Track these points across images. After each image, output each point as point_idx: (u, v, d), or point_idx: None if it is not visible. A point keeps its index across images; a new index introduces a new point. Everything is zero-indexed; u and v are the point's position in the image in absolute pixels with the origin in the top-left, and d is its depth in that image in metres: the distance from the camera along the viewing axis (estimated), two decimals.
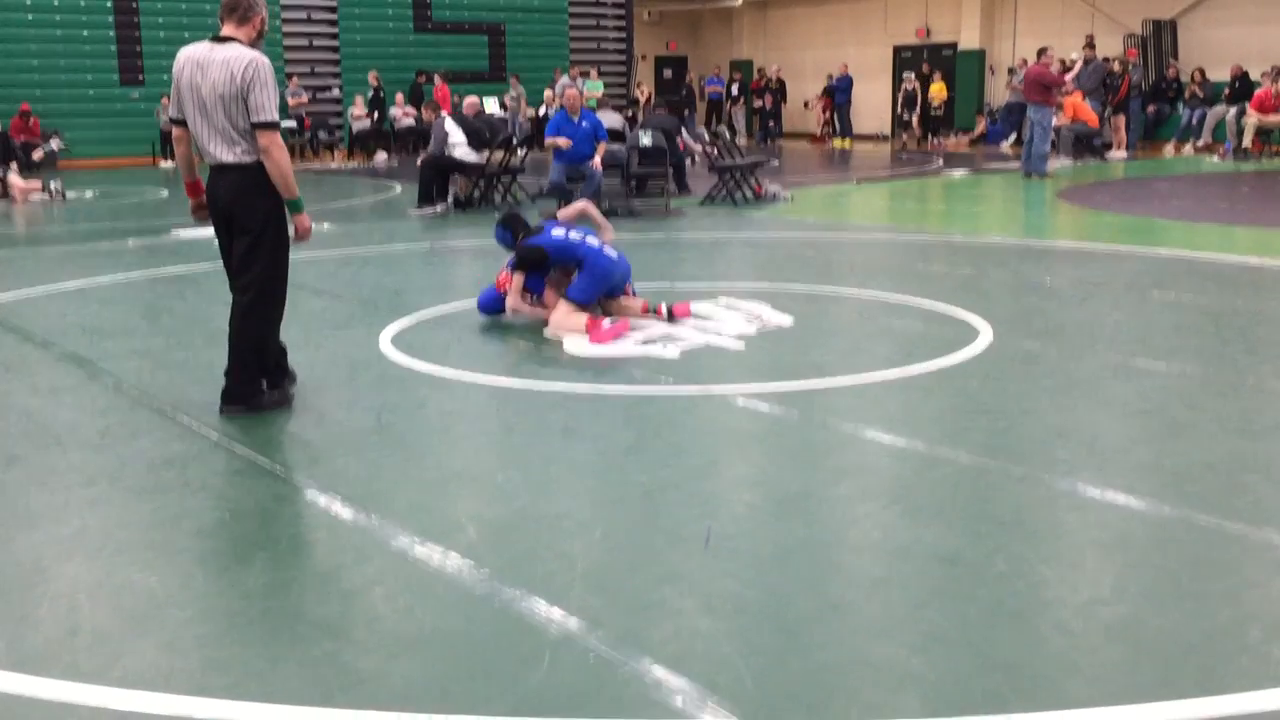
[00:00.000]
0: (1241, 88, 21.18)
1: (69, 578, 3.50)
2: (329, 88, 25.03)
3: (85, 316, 7.65)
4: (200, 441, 4.87)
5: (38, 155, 18.76)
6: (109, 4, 22.66)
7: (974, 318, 7.06)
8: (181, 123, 5.19)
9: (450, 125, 14.08)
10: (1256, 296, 7.73)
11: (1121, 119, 21.26)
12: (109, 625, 3.19)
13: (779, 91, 29.29)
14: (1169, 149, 22.17)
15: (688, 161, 16.16)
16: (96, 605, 3.31)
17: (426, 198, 13.99)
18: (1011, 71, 25.09)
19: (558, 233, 7.10)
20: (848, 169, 21.13)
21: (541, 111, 23.71)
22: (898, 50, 29.66)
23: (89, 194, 16.96)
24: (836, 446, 4.72)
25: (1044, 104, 16.83)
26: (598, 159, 13.29)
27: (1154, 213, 12.97)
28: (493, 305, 7.25)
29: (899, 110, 26.53)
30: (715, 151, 15.07)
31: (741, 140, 26.69)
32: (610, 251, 7.04)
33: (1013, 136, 24.07)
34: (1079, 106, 19.97)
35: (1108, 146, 21.00)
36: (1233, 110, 20.91)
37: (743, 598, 3.29)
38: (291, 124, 23.10)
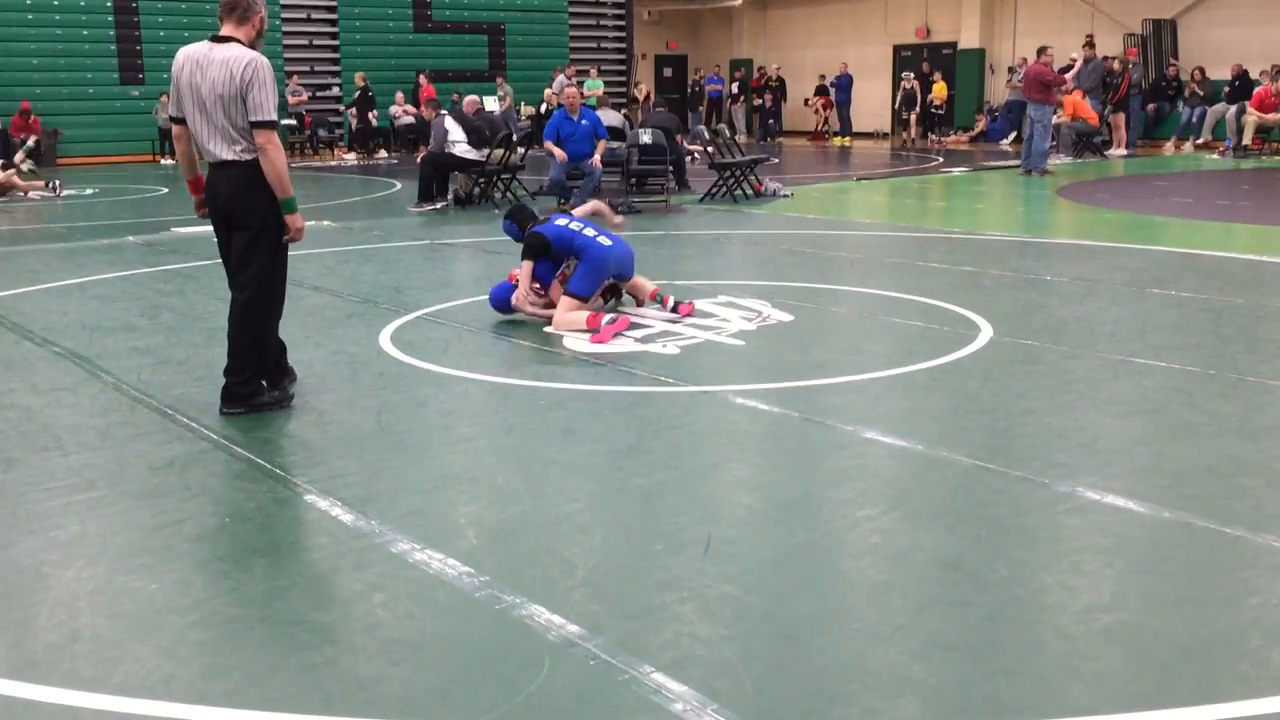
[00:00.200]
0: (1242, 86, 21.18)
1: (69, 583, 3.50)
2: (329, 86, 25.03)
3: (85, 314, 7.64)
4: (200, 442, 4.87)
5: (19, 158, 18.64)
6: (109, 3, 22.65)
7: (974, 315, 7.06)
8: (181, 121, 5.20)
9: (450, 123, 14.08)
10: (1257, 294, 7.73)
11: (1121, 117, 21.27)
12: (109, 631, 3.19)
13: (779, 90, 29.33)
14: (1169, 147, 22.17)
15: (687, 160, 16.17)
16: (96, 611, 3.31)
17: (426, 195, 13.99)
18: (1012, 70, 25.10)
19: (561, 222, 7.23)
20: (848, 166, 21.12)
21: (542, 109, 23.74)
22: (898, 49, 29.66)
23: (89, 191, 16.96)
24: (836, 447, 4.72)
25: (1044, 102, 16.84)
26: (597, 157, 13.30)
27: (1154, 210, 12.97)
28: (505, 297, 7.27)
29: (899, 109, 26.54)
30: (714, 150, 15.06)
31: (741, 138, 26.69)
32: (605, 240, 7.08)
33: (1013, 134, 24.08)
34: (1079, 105, 19.97)
35: (1107, 144, 21.00)
36: (1233, 108, 20.90)
37: (742, 603, 3.28)
38: (291, 122, 23.11)
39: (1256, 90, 20.44)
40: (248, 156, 5.07)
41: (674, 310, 7.14)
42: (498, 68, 26.65)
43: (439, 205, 13.95)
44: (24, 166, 18.22)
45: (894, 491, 4.23)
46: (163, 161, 21.87)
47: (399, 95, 24.11)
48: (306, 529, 4.01)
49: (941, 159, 21.40)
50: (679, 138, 15.58)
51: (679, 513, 3.99)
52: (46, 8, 22.15)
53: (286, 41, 24.43)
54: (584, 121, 13.38)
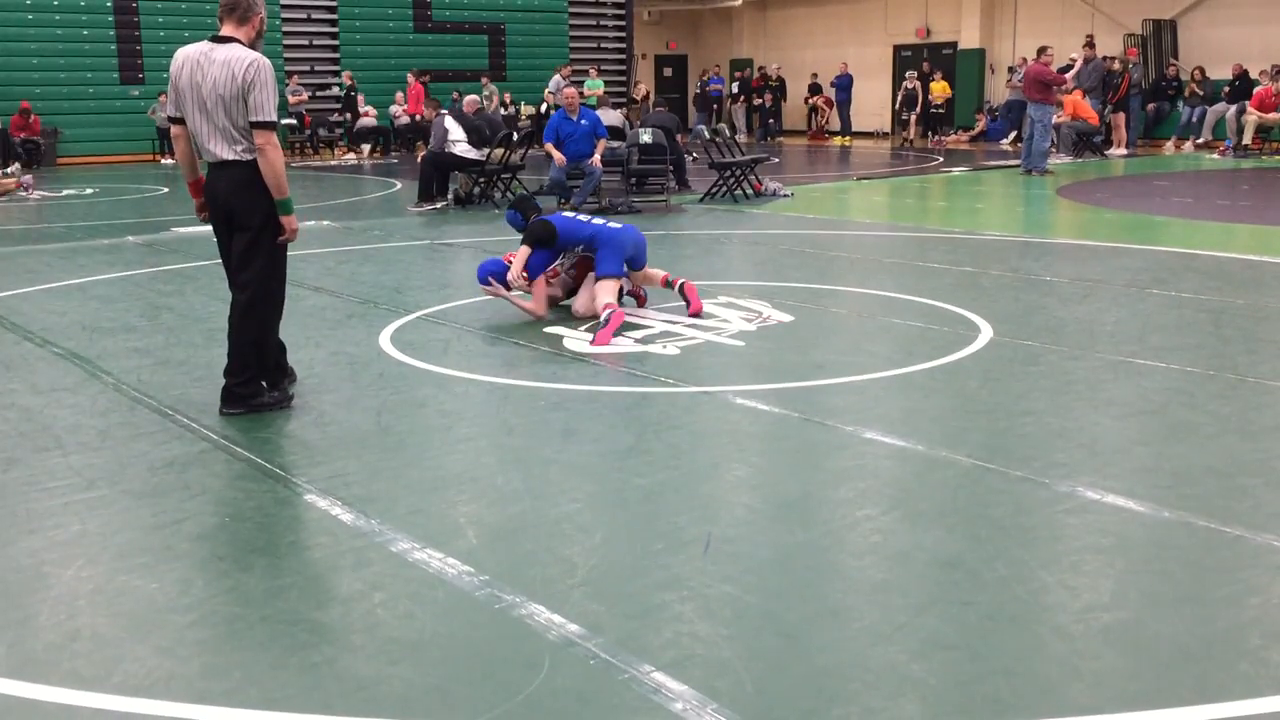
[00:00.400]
0: (1242, 86, 21.18)
1: (69, 582, 3.50)
2: (328, 86, 25.05)
3: (85, 314, 7.64)
4: (200, 443, 4.87)
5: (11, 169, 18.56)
6: (109, 3, 22.65)
7: (974, 315, 7.06)
8: (179, 121, 5.20)
9: (450, 123, 14.08)
10: (1257, 294, 7.73)
11: (1121, 117, 21.27)
12: (109, 630, 3.19)
13: (779, 90, 29.37)
14: (1169, 146, 22.17)
15: (688, 159, 16.19)
16: (96, 610, 3.31)
17: (426, 194, 13.99)
18: (1012, 70, 25.10)
19: (568, 213, 7.47)
20: (848, 166, 21.12)
21: (542, 109, 23.77)
22: (898, 49, 29.68)
23: (89, 191, 16.97)
24: (836, 447, 4.72)
25: (1044, 102, 16.85)
26: (597, 157, 13.30)
27: (1154, 210, 12.97)
28: (491, 269, 7.36)
29: (899, 108, 26.56)
30: (713, 145, 15.04)
31: (742, 138, 26.70)
32: (615, 224, 7.37)
33: (1013, 134, 24.08)
34: (1079, 104, 19.98)
35: (1107, 144, 21.01)
36: (1233, 108, 20.91)
37: (742, 602, 3.28)
38: (291, 122, 23.13)
39: (1257, 90, 20.45)
40: (248, 157, 5.07)
41: (680, 291, 7.32)
42: (498, 68, 26.66)
43: (439, 205, 13.95)
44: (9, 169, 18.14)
45: (894, 491, 4.23)
46: (163, 161, 21.88)
47: (398, 95, 24.13)
48: (306, 529, 4.01)
49: (941, 159, 21.40)
50: (679, 136, 15.60)
51: (679, 513, 3.99)
52: (46, 8, 22.16)
53: (286, 41, 24.43)
54: (583, 122, 13.38)
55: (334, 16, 25.15)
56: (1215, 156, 20.20)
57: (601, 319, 6.67)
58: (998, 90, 26.98)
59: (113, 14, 22.73)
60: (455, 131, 13.98)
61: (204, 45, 5.09)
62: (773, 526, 3.89)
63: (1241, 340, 6.43)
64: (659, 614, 3.21)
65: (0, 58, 21.94)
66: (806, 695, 2.79)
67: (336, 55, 25.29)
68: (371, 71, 24.95)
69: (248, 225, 5.15)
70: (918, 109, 25.91)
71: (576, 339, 6.68)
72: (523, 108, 25.07)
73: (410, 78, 23.80)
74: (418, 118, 23.56)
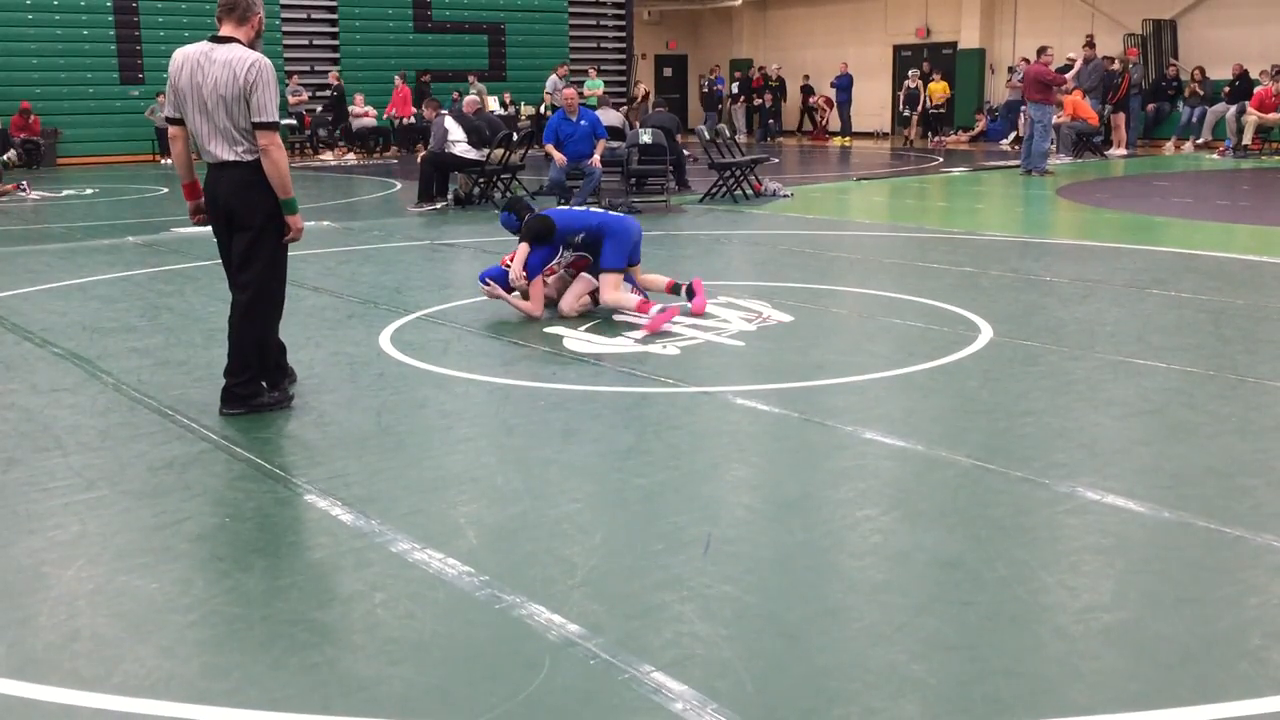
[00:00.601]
0: (1242, 86, 21.19)
1: (69, 583, 3.50)
2: (328, 86, 25.04)
3: (85, 314, 7.64)
4: (200, 443, 4.87)
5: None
6: (109, 3, 22.66)
7: (974, 316, 7.06)
8: (177, 121, 5.19)
9: (450, 123, 14.08)
10: (1257, 294, 7.73)
11: (1121, 117, 21.27)
12: (109, 630, 3.19)
13: (779, 90, 29.38)
14: (1169, 147, 22.17)
15: (688, 158, 16.19)
16: (96, 610, 3.31)
17: (426, 195, 13.99)
18: (1011, 70, 25.10)
19: (563, 207, 7.56)
20: (848, 166, 21.12)
21: (542, 109, 23.78)
22: (898, 49, 29.68)
23: (89, 191, 16.96)
24: (836, 447, 4.72)
25: (1044, 102, 16.85)
26: (596, 157, 13.30)
27: (1154, 210, 12.98)
28: (492, 273, 7.44)
29: (901, 108, 26.55)
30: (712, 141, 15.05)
31: (741, 138, 26.71)
32: (616, 213, 7.44)
33: (1013, 134, 24.08)
34: (1079, 104, 19.98)
35: (1107, 144, 21.01)
36: (1233, 108, 20.91)
37: (743, 603, 3.29)
38: (291, 122, 23.14)
39: (1257, 90, 20.45)
40: (249, 157, 5.07)
41: (689, 289, 7.35)
42: (498, 68, 26.67)
43: (439, 205, 13.95)
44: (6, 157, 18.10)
45: (894, 491, 4.23)
46: (162, 162, 21.87)
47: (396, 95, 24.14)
48: (306, 529, 4.01)
49: (941, 159, 21.40)
50: (680, 135, 15.61)
51: (679, 513, 3.99)
52: (46, 8, 22.16)
53: (286, 41, 24.44)
54: (583, 122, 13.38)
55: (334, 16, 25.15)
56: (1215, 157, 20.20)
57: (647, 309, 6.97)
58: (998, 90, 26.98)
59: (113, 14, 22.73)
60: (455, 132, 13.98)
61: (204, 45, 5.09)
62: (773, 526, 3.89)
63: (1241, 340, 6.43)
64: (659, 614, 3.21)
65: (0, 58, 21.94)
66: (806, 695, 2.79)
67: (336, 55, 25.28)
68: (371, 71, 24.94)
69: (248, 225, 5.15)
70: (919, 108, 25.91)
71: (577, 339, 6.68)
72: (523, 108, 25.07)
73: (397, 80, 23.83)
74: (404, 120, 23.65)
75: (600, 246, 7.22)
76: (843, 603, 3.30)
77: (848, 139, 27.69)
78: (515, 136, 15.05)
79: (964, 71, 27.55)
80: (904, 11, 29.34)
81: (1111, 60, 21.65)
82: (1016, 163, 18.16)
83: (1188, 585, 3.36)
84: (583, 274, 7.40)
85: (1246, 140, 20.17)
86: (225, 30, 5.11)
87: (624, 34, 29.14)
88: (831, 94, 28.58)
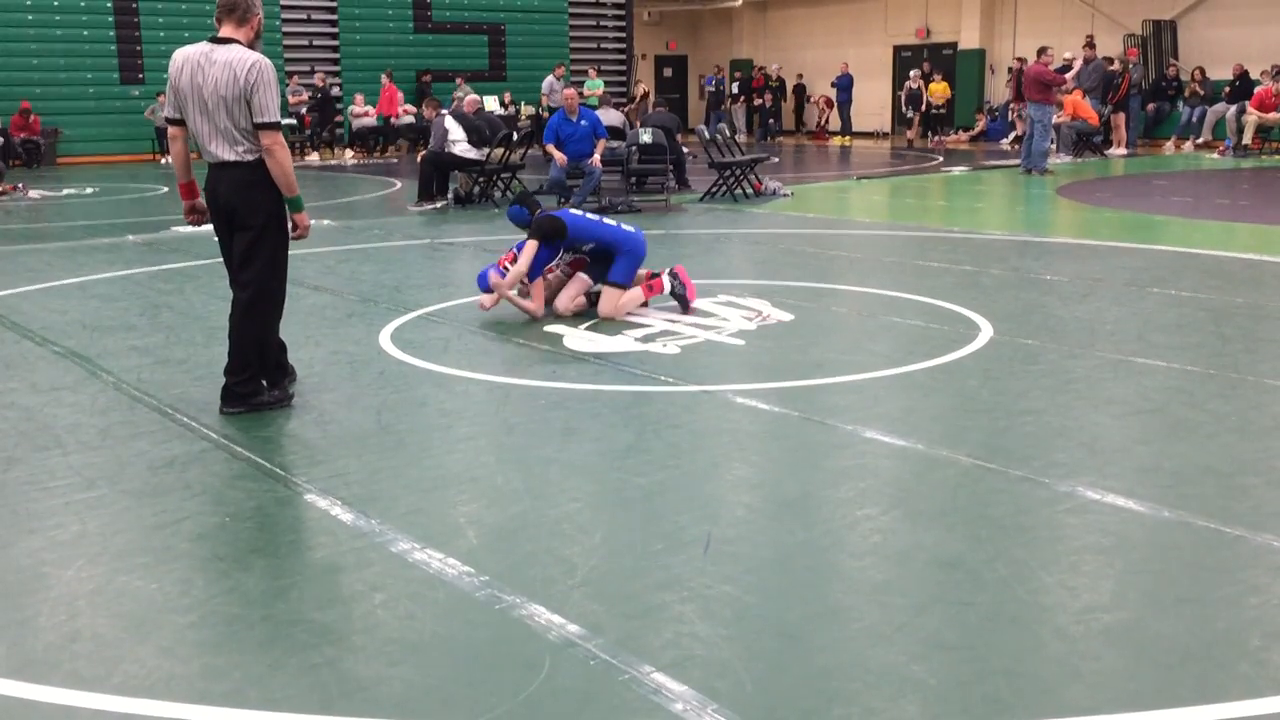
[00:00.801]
0: (1242, 86, 21.19)
1: (69, 583, 3.50)
2: (328, 86, 25.05)
3: (84, 313, 7.64)
4: (200, 442, 4.87)
5: None
6: (109, 4, 22.65)
7: (974, 314, 7.06)
8: (177, 122, 5.19)
9: (450, 122, 14.09)
10: (1257, 294, 7.72)
11: (1121, 117, 21.28)
12: (109, 631, 3.19)
13: (779, 90, 29.39)
14: (1169, 146, 22.17)
15: (688, 156, 16.19)
16: (96, 611, 3.31)
17: (426, 194, 13.99)
18: (1011, 70, 25.10)
19: (576, 213, 7.48)
20: (848, 166, 21.12)
21: (538, 110, 23.79)
22: (898, 50, 29.68)
23: (89, 190, 16.96)
24: (836, 447, 4.72)
25: (1044, 102, 16.85)
26: (596, 157, 13.30)
27: (1154, 209, 12.97)
28: (487, 286, 7.38)
29: (904, 108, 26.55)
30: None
31: (741, 138, 26.71)
32: (629, 227, 7.46)
33: (1012, 134, 24.08)
34: (1079, 104, 19.98)
35: (1107, 144, 21.01)
36: (1233, 108, 20.91)
37: (742, 603, 3.28)
38: (292, 122, 23.12)
39: (1257, 90, 20.45)
40: (250, 157, 5.07)
41: (677, 282, 7.39)
42: (498, 68, 26.67)
43: (439, 204, 13.95)
44: None
45: (894, 491, 4.23)
46: (162, 161, 21.87)
47: (399, 95, 24.12)
48: (306, 529, 4.01)
49: (941, 159, 21.40)
50: (679, 135, 15.61)
51: (679, 513, 3.99)
52: (46, 8, 22.16)
53: (286, 42, 24.43)
54: (583, 122, 13.39)
55: (334, 17, 25.14)
56: (1215, 156, 20.20)
57: (670, 290, 7.32)
58: (998, 90, 26.98)
59: (113, 14, 22.73)
60: (455, 131, 13.99)
61: (204, 46, 5.09)
62: (773, 526, 3.89)
63: (1241, 339, 6.43)
64: (659, 614, 3.21)
65: (0, 58, 21.94)
66: (806, 695, 2.78)
67: (336, 55, 25.28)
68: (372, 72, 24.92)
69: (249, 225, 5.15)
70: (921, 108, 25.91)
71: (577, 338, 6.68)
72: (523, 108, 25.06)
73: (384, 79, 23.86)
74: (390, 119, 23.69)
75: (609, 260, 7.20)
76: (843, 603, 3.30)
77: (848, 139, 27.69)
78: (515, 136, 15.05)
79: (964, 72, 27.55)
80: (904, 12, 29.34)
81: (1111, 60, 21.65)
82: (1016, 162, 18.16)
83: (1188, 585, 3.36)
84: (579, 274, 7.40)
85: (1246, 140, 20.17)
86: (225, 31, 5.11)
87: (624, 34, 29.14)
88: (832, 94, 28.57)
